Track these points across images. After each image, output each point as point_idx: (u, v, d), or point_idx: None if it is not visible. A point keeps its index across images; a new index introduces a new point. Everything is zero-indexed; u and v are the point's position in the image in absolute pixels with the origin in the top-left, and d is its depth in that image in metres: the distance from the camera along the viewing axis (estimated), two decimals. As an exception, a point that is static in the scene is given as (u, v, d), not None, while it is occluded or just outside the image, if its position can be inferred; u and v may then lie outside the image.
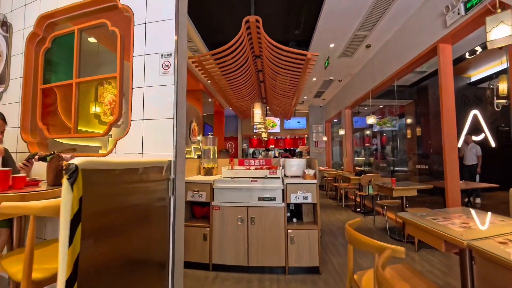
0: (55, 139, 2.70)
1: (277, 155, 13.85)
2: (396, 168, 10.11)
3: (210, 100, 11.47)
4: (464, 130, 8.43)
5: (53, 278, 1.27)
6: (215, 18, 5.58)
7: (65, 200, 0.95)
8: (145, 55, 2.07)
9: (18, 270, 1.28)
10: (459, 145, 7.85)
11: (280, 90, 7.20)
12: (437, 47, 4.34)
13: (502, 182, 5.04)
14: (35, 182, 1.95)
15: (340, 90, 9.62)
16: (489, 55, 6.97)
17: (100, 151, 2.70)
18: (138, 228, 1.46)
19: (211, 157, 4.15)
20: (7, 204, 1.24)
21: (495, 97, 7.49)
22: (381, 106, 10.32)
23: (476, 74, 8.85)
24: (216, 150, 4.25)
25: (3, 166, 2.12)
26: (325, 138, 11.41)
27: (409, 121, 9.63)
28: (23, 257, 1.20)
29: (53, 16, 2.63)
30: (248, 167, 4.21)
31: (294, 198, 3.10)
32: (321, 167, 11.37)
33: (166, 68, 1.98)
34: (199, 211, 3.64)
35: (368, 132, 10.78)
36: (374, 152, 11.24)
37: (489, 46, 2.68)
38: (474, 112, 8.72)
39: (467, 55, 6.80)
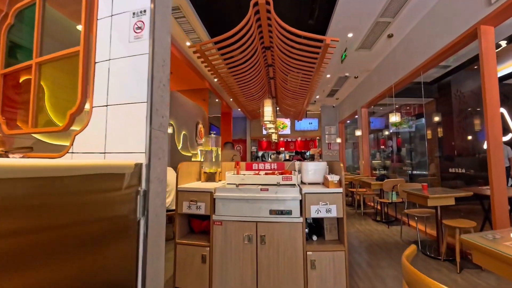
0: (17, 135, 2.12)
1: (288, 158, 13.20)
2: (415, 172, 9.41)
3: (217, 100, 10.93)
4: (493, 130, 7.65)
5: None
6: (221, 8, 5.00)
7: None
8: (111, 16, 1.48)
9: None
10: (485, 146, 7.13)
11: (291, 87, 6.58)
12: (478, 29, 3.68)
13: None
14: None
15: (356, 88, 8.95)
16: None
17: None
18: (77, 258, 0.87)
19: (214, 160, 3.55)
20: None
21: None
22: (397, 106, 9.62)
23: (503, 69, 8.11)
24: (220, 152, 3.65)
25: None
26: (339, 140, 10.73)
27: (429, 121, 8.89)
28: None
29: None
30: (257, 172, 3.60)
31: (315, 211, 2.47)
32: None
33: (139, 31, 1.38)
34: (197, 225, 3.04)
35: (387, 132, 10.05)
36: (390, 154, 10.53)
37: None
38: (501, 110, 7.99)
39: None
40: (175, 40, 6.01)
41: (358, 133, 8.13)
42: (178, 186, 2.89)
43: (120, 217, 1.14)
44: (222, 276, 2.56)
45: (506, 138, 7.71)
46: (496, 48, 6.13)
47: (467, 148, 7.47)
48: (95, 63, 1.52)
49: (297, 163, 3.33)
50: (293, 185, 2.97)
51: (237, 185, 2.89)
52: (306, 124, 13.15)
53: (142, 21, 1.38)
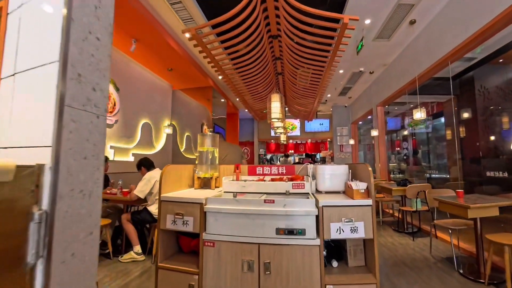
0: None
1: (297, 161, 12.55)
2: (434, 175, 8.72)
3: (222, 100, 10.39)
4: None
5: None
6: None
7: None
8: None
9: None
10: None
11: (302, 81, 5.98)
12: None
13: None
14: None
15: (370, 85, 8.30)
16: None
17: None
18: None
19: (209, 162, 2.97)
20: None
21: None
22: (411, 106, 8.94)
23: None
24: (217, 154, 3.07)
25: None
26: (352, 142, 10.06)
27: (449, 120, 8.18)
28: None
29: None
30: (262, 177, 3.00)
31: (336, 230, 1.87)
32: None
33: None
34: (186, 244, 2.47)
35: (405, 132, 9.35)
36: (405, 157, 9.84)
37: None
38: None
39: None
40: (174, 32, 5.48)
41: (374, 133, 7.47)
42: (162, 195, 2.32)
43: None
44: (214, 315, 1.96)
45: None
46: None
47: (494, 149, 6.74)
48: (7, 14, 0.97)
49: (310, 166, 2.73)
50: (306, 194, 2.37)
51: (235, 195, 2.30)
52: (317, 125, 12.49)
53: None
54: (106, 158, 4.92)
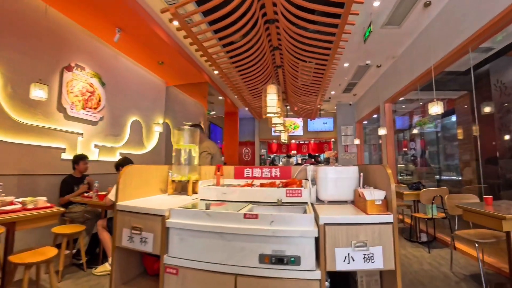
0: None
1: (300, 162, 11.99)
2: (444, 177, 8.16)
3: (220, 98, 9.87)
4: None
5: None
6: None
7: None
8: None
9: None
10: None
11: (304, 74, 5.45)
12: None
13: None
14: None
15: (377, 80, 7.73)
16: None
17: None
18: None
19: (187, 163, 2.45)
20: None
21: None
22: (421, 103, 8.38)
23: None
24: (196, 152, 2.54)
25: None
26: (357, 141, 9.49)
27: (461, 118, 7.59)
28: None
29: None
30: (250, 180, 2.48)
31: (343, 258, 1.34)
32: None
33: None
34: (150, 265, 1.96)
35: (415, 131, 8.77)
36: (412, 157, 9.27)
37: None
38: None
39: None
40: (162, 21, 4.97)
41: (381, 131, 6.91)
42: (118, 204, 1.81)
43: None
44: None
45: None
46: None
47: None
48: None
49: (310, 168, 2.20)
50: (304, 204, 1.84)
51: (208, 206, 1.78)
52: (320, 124, 11.90)
53: None
54: (82, 157, 4.42)
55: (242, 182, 2.45)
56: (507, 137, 6.16)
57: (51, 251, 2.72)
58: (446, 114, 8.30)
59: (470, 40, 3.76)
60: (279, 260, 1.36)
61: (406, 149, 9.82)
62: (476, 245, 3.04)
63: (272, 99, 3.90)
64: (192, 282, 1.47)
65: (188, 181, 2.36)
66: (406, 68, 5.86)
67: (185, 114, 9.11)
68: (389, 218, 1.38)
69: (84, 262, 3.56)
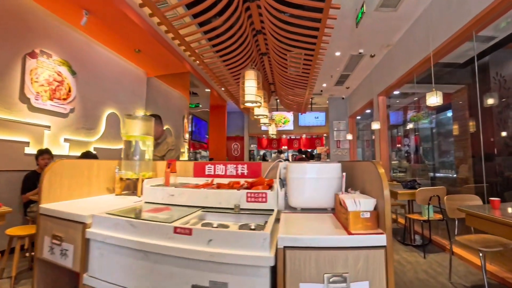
0: None
1: (290, 159, 11.55)
2: (438, 174, 7.83)
3: (207, 90, 9.39)
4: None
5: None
6: None
7: None
8: None
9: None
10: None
11: (289, 62, 5.00)
12: None
13: None
14: None
15: (371, 72, 7.31)
16: None
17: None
18: None
19: (138, 158, 2.01)
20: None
21: None
22: (415, 99, 8.00)
23: None
24: (149, 145, 2.10)
25: None
26: (349, 137, 9.08)
27: (458, 113, 7.22)
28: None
29: None
30: (210, 179, 2.04)
31: (311, 302, 0.90)
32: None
33: None
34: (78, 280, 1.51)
35: (410, 126, 8.40)
36: (406, 154, 8.93)
37: None
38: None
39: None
40: (134, 2, 4.47)
41: (374, 126, 6.50)
42: (40, 207, 1.40)
43: None
44: None
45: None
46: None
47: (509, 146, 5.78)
48: None
49: (282, 164, 1.76)
50: (269, 212, 1.40)
51: (137, 213, 1.34)
52: (312, 119, 11.46)
53: None
54: (41, 152, 3.97)
55: (202, 181, 2.01)
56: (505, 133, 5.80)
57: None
58: (442, 109, 7.94)
59: (474, 22, 3.34)
60: (217, 301, 0.93)
61: (400, 145, 9.47)
62: (480, 254, 2.64)
63: (250, 86, 3.44)
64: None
65: (137, 180, 1.91)
66: (402, 57, 5.44)
67: (169, 108, 8.63)
68: (381, 239, 0.95)
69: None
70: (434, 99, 3.75)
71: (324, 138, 11.96)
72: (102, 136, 5.74)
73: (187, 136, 8.61)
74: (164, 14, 3.48)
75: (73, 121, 5.02)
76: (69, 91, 4.92)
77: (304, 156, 10.09)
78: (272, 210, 1.44)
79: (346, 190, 1.28)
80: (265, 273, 0.92)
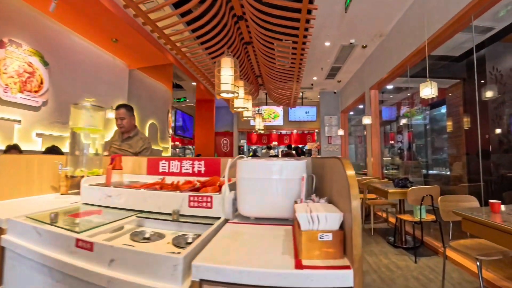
0: None
1: (280, 155, 11.23)
2: (431, 172, 7.61)
3: (193, 84, 9.01)
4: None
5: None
6: None
7: None
8: None
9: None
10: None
11: (278, 52, 4.68)
12: None
13: None
14: None
15: (363, 64, 6.99)
16: None
17: None
18: None
19: (86, 153, 1.69)
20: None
21: None
22: (409, 94, 7.73)
23: None
24: (101, 140, 1.78)
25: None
26: (341, 132, 8.78)
27: (452, 109, 6.95)
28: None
29: None
30: (162, 178, 1.72)
31: None
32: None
33: None
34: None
35: (404, 121, 8.11)
36: (399, 151, 8.69)
37: None
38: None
39: None
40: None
41: (366, 121, 6.20)
42: None
43: None
44: None
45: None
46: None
47: (507, 143, 5.52)
48: None
49: (240, 162, 1.43)
50: (214, 221, 1.08)
51: (53, 218, 1.02)
52: (302, 114, 11.12)
53: None
54: (13, 147, 3.67)
55: (154, 179, 1.69)
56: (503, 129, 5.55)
57: None
58: (436, 105, 7.69)
59: (473, 5, 3.02)
60: None
61: (393, 141, 9.22)
62: (478, 262, 2.35)
63: (226, 74, 3.10)
64: None
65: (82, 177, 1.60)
66: (395, 48, 5.13)
67: (154, 102, 8.26)
68: (346, 277, 0.62)
69: None
70: (428, 90, 3.44)
71: (315, 133, 11.65)
72: (79, 130, 5.36)
73: (171, 131, 8.26)
74: (138, 5, 3.20)
75: (46, 115, 4.67)
76: (41, 83, 4.57)
77: (293, 152, 9.78)
78: (218, 218, 1.12)
79: (309, 197, 0.95)
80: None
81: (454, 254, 3.45)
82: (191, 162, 1.76)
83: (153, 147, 8.25)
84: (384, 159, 8.74)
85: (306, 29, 3.72)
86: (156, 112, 8.36)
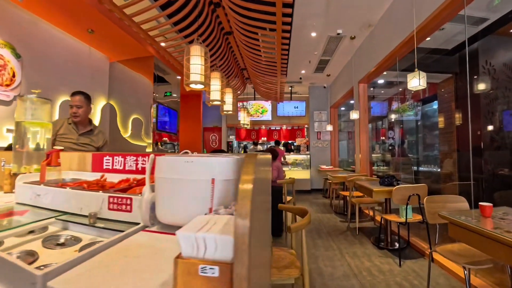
0: None
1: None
2: (421, 168, 7.45)
3: (178, 77, 8.69)
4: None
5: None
6: None
7: None
8: None
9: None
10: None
11: (258, 41, 4.42)
12: None
13: None
14: None
15: (352, 57, 6.75)
16: None
17: None
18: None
19: (31, 147, 1.45)
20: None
21: None
22: (400, 89, 7.52)
23: None
24: (48, 134, 1.53)
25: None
26: (329, 128, 8.54)
27: (444, 104, 6.76)
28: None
29: None
30: (102, 176, 1.46)
31: None
32: (323, 166, 8.54)
33: None
34: None
35: (392, 116, 7.90)
36: (390, 147, 8.50)
37: None
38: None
39: None
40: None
41: (354, 115, 5.96)
42: None
43: None
44: None
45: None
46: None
47: (500, 140, 5.33)
48: None
49: (157, 159, 1.17)
50: (131, 226, 0.82)
51: None
52: (291, 109, 10.85)
53: None
54: None
55: (97, 176, 1.45)
56: (495, 126, 5.36)
57: None
58: (428, 100, 7.51)
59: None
60: None
61: (384, 137, 9.03)
62: (465, 270, 2.12)
63: (195, 63, 2.83)
64: None
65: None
66: (384, 39, 4.88)
67: (138, 96, 7.94)
68: None
69: None
70: (416, 81, 3.20)
71: (305, 129, 11.42)
72: (55, 126, 5.07)
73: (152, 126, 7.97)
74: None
75: (18, 110, 4.35)
76: (13, 76, 4.28)
77: (283, 148, 9.53)
78: (138, 224, 0.87)
79: (227, 206, 0.69)
80: None
81: (441, 257, 3.24)
82: (135, 158, 1.51)
83: (138, 142, 7.96)
84: (375, 155, 8.55)
85: (285, 15, 3.45)
86: (140, 106, 8.05)
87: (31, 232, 1.05)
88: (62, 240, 1.00)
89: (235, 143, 12.47)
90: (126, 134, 7.60)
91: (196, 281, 0.44)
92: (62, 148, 1.69)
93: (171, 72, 8.30)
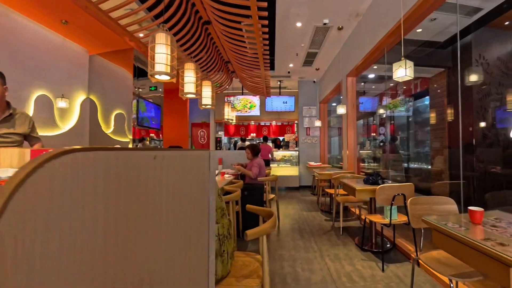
0: None
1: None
2: (412, 166, 7.25)
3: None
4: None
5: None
6: None
7: None
8: None
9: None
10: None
11: (241, 35, 4.14)
12: None
13: None
14: None
15: (341, 49, 6.49)
16: None
17: None
18: None
19: None
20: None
21: None
22: (391, 85, 7.30)
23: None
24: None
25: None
26: (318, 123, 8.30)
27: (435, 100, 6.55)
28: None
29: None
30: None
31: None
32: (312, 163, 8.31)
33: None
34: None
35: (381, 111, 7.69)
36: (381, 144, 8.31)
37: None
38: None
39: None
40: None
41: (340, 110, 5.72)
42: None
43: None
44: None
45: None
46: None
47: (493, 136, 5.11)
48: None
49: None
50: None
51: None
52: (280, 104, 10.58)
53: None
54: None
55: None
56: (488, 122, 5.13)
57: None
58: (420, 95, 7.31)
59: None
60: None
61: (374, 134, 8.83)
62: (452, 284, 1.88)
63: (161, 52, 2.55)
64: None
65: None
66: (372, 29, 4.63)
67: (121, 91, 7.62)
68: None
69: None
70: (402, 71, 2.95)
71: (295, 125, 11.18)
72: (32, 122, 4.75)
73: (132, 122, 7.66)
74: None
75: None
76: None
77: (269, 143, 9.29)
78: None
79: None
80: None
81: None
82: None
83: (121, 139, 7.65)
84: (365, 152, 8.35)
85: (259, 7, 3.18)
86: (122, 101, 7.74)
87: None
88: None
89: (224, 139, 12.21)
90: (109, 130, 7.28)
91: None
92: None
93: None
